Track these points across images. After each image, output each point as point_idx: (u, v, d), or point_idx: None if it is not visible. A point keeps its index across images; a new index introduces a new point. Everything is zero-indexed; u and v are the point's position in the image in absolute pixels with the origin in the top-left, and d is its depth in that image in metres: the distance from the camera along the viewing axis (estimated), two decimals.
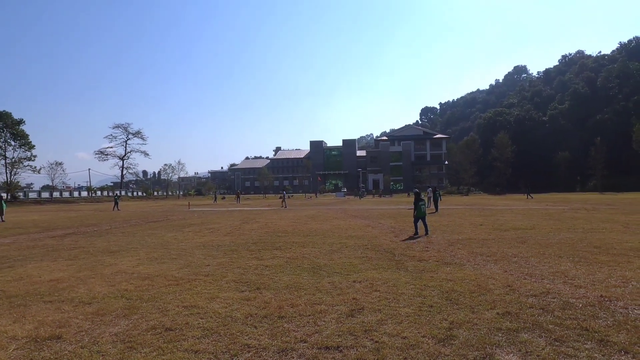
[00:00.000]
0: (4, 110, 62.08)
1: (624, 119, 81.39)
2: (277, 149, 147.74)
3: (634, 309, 5.13)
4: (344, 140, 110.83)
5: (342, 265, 8.29)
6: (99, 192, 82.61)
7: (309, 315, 5.11)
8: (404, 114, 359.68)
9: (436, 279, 6.90)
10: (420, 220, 13.30)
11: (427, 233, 13.03)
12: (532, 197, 42.83)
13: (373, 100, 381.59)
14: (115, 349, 4.18)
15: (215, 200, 56.91)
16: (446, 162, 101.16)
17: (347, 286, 6.57)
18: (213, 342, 4.30)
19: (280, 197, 40.16)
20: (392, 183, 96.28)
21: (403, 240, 11.91)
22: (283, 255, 9.75)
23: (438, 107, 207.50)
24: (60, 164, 77.81)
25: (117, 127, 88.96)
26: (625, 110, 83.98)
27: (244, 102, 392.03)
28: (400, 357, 3.88)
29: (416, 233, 13.11)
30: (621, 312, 5.00)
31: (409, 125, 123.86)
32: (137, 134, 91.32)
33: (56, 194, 69.73)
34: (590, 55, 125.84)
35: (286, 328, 4.68)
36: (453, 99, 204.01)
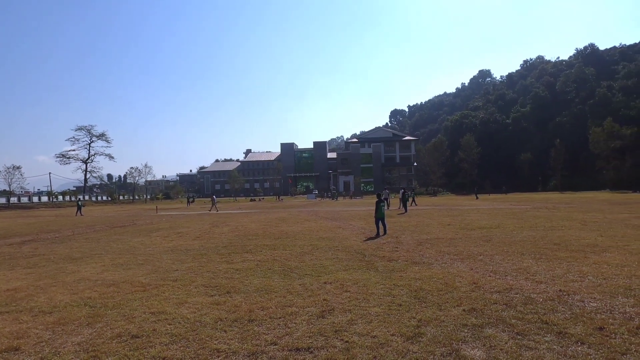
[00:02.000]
0: None
1: (581, 121, 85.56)
2: (248, 152, 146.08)
3: (590, 302, 5.40)
4: (314, 142, 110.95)
5: (313, 267, 8.30)
6: (60, 197, 79.24)
7: (280, 318, 5.10)
8: (373, 116, 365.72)
9: (405, 279, 7.03)
10: (380, 221, 13.59)
11: (385, 233, 13.36)
12: (477, 198, 46.21)
13: (343, 102, 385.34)
14: (78, 359, 4.03)
15: (188, 203, 56.01)
16: (415, 164, 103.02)
17: (317, 287, 6.59)
18: (182, 348, 4.22)
19: (211, 201, 40.17)
20: (362, 184, 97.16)
21: (365, 241, 12.04)
22: (253, 258, 9.67)
23: (407, 109, 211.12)
24: (18, 167, 74.10)
25: (80, 129, 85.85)
26: (582, 113, 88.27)
27: (213, 105, 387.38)
28: (370, 356, 3.93)
29: (378, 234, 13.36)
30: (578, 306, 5.25)
31: (379, 127, 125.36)
32: (102, 136, 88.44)
33: (14, 200, 66.32)
34: (549, 61, 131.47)
35: (256, 331, 4.65)
36: (421, 102, 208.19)
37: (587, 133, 76.24)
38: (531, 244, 10.59)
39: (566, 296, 5.68)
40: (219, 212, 33.77)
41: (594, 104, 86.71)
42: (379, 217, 13.53)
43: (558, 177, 77.36)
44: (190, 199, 64.56)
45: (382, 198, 13.98)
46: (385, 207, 13.62)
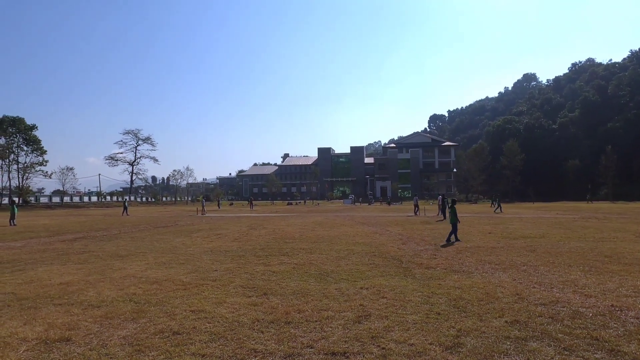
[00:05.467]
0: (17, 116, 62.99)
1: (636, 127, 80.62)
2: (285, 156, 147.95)
3: None
4: (352, 147, 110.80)
5: (349, 272, 8.27)
6: (108, 197, 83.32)
7: (316, 321, 5.11)
8: (412, 122, 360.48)
9: (444, 287, 6.86)
10: (452, 226, 13.23)
11: (447, 240, 13.02)
12: (498, 208, 44.18)
13: (381, 107, 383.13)
14: (124, 352, 4.21)
15: (219, 206, 55.80)
16: (455, 170, 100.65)
17: (354, 293, 6.55)
18: (220, 347, 4.31)
19: (201, 203, 42.19)
20: (400, 190, 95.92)
21: (443, 246, 11.78)
22: (290, 261, 9.75)
23: (446, 114, 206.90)
24: (71, 169, 78.44)
25: (127, 133, 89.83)
26: (636, 118, 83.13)
27: (253, 110, 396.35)
28: None
29: (457, 239, 13.06)
30: (632, 322, 4.93)
31: (417, 132, 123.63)
32: (147, 140, 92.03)
33: (67, 199, 70.35)
34: (600, 63, 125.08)
35: (293, 333, 4.68)
36: (462, 107, 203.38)
37: None
38: (579, 255, 10.06)
39: (619, 312, 5.35)
40: (205, 215, 34.37)
41: None
42: (452, 223, 13.21)
43: (609, 186, 73.08)
44: (227, 202, 65.92)
45: (449, 204, 13.61)
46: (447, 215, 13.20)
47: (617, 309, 5.48)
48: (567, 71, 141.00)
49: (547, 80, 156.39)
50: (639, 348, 4.12)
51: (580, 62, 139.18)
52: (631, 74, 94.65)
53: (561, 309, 5.51)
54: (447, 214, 25.37)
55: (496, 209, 34.17)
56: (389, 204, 64.69)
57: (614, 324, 4.89)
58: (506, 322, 4.98)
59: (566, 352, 4.05)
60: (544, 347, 4.17)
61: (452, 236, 13.18)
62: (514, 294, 6.32)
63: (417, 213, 29.67)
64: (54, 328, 4.98)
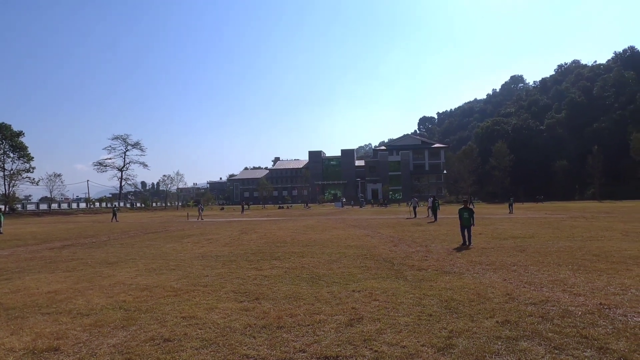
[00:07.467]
0: (3, 123, 62.15)
1: (621, 127, 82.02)
2: (276, 159, 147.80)
3: (633, 316, 5.13)
4: (342, 150, 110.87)
5: (341, 275, 8.27)
6: (97, 204, 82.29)
7: (308, 325, 5.09)
8: (402, 124, 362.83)
9: (435, 288, 6.89)
10: (465, 230, 12.73)
11: (469, 244, 12.42)
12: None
13: (372, 110, 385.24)
14: None
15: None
16: (445, 172, 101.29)
17: (346, 296, 6.55)
18: (212, 353, 4.28)
19: (199, 209, 42.63)
20: (390, 192, 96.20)
21: (454, 250, 11.62)
22: (282, 265, 9.72)
23: (436, 116, 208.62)
24: (58, 175, 77.44)
25: (116, 138, 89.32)
26: (621, 118, 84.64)
27: (245, 115, 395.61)
28: None
29: (464, 243, 12.58)
30: (620, 320, 4.99)
31: (407, 134, 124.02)
32: (136, 145, 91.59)
33: (54, 206, 69.26)
34: (585, 65, 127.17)
35: (285, 338, 4.67)
36: (451, 109, 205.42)
37: (628, 139, 73.00)
38: (568, 254, 10.18)
39: (607, 310, 5.42)
40: (203, 220, 34.32)
41: (635, 109, 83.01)
42: (465, 226, 12.74)
43: (596, 185, 74.16)
44: (217, 207, 65.36)
45: (468, 206, 13.20)
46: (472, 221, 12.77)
47: (605, 307, 5.55)
48: (553, 73, 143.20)
49: (534, 82, 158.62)
50: (627, 345, 4.18)
51: (566, 63, 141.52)
52: (615, 75, 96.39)
53: (551, 308, 5.57)
54: (437, 214, 25.56)
55: (510, 211, 34.66)
56: (385, 206, 64.37)
57: (603, 322, 4.95)
58: (497, 322, 5.02)
59: (556, 351, 4.09)
60: (534, 347, 4.21)
61: (468, 239, 12.67)
62: (505, 294, 6.37)
63: (416, 216, 28.84)
64: (42, 337, 4.90)
